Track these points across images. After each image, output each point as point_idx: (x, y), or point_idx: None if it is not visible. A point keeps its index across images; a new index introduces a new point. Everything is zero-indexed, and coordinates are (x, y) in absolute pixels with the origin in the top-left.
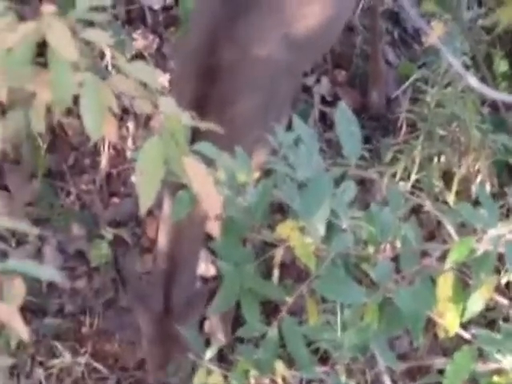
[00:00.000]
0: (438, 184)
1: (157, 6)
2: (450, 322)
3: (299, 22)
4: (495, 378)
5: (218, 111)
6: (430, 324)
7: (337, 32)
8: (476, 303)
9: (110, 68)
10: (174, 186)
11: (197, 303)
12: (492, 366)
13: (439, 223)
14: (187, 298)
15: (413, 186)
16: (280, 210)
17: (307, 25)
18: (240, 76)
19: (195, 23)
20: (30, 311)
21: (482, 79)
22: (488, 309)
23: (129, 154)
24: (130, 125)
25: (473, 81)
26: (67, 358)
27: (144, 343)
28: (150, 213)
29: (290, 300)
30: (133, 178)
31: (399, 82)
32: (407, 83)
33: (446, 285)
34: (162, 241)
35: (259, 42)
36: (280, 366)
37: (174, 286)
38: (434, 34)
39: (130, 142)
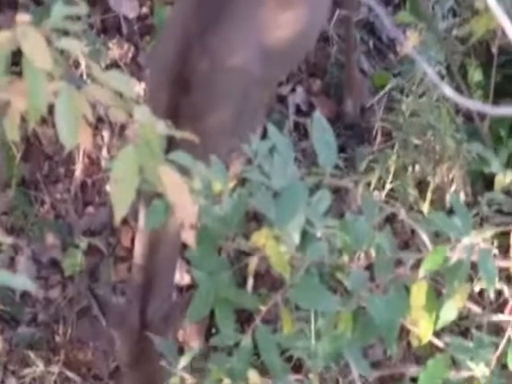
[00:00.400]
0: (413, 193)
1: (132, 16)
2: (423, 330)
3: (273, 32)
4: None
5: (192, 121)
6: (404, 332)
7: (311, 42)
8: (449, 311)
9: (85, 77)
10: (150, 196)
11: (173, 317)
12: (465, 374)
13: (413, 232)
14: (164, 312)
15: (387, 195)
16: (255, 219)
17: (281, 35)
18: (212, 86)
19: (168, 32)
20: (2, 320)
21: (457, 89)
22: (461, 317)
23: (103, 162)
24: (105, 134)
25: (447, 90)
26: (40, 367)
27: (122, 366)
28: (124, 222)
29: (264, 309)
30: (107, 187)
31: (374, 92)
32: (382, 92)
33: (419, 293)
34: (138, 253)
35: (232, 52)
36: (253, 375)
37: (151, 299)
38: (409, 43)
39: (104, 151)
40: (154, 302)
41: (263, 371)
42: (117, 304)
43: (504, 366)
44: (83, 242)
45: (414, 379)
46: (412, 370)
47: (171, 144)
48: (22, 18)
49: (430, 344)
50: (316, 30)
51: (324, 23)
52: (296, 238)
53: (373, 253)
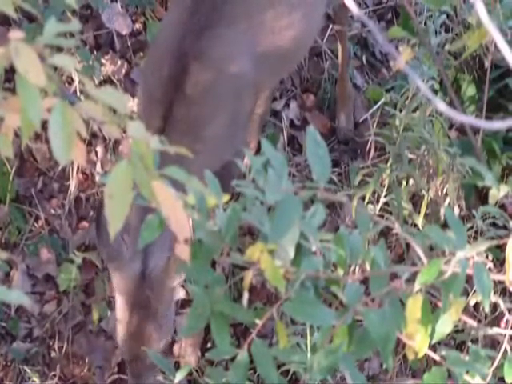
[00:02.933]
0: (407, 207)
1: (125, 32)
2: (419, 343)
3: (266, 38)
4: None
5: (186, 127)
6: (400, 346)
7: (304, 49)
8: (445, 325)
9: (78, 93)
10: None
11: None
12: None
13: (408, 246)
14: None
15: (382, 209)
16: (250, 233)
17: (274, 40)
18: (207, 93)
19: (163, 38)
20: None
21: (450, 103)
22: (457, 330)
23: (97, 178)
24: (99, 149)
25: (441, 105)
26: (36, 382)
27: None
28: None
29: (259, 323)
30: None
31: (368, 106)
32: (375, 107)
33: (415, 307)
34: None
35: (225, 57)
36: None
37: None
38: (402, 58)
39: (98, 167)
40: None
41: None
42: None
43: (500, 379)
44: (78, 257)
45: None
46: None
47: (164, 155)
48: (15, 34)
49: (426, 357)
50: (310, 38)
51: (317, 36)
52: (291, 251)
53: (368, 266)
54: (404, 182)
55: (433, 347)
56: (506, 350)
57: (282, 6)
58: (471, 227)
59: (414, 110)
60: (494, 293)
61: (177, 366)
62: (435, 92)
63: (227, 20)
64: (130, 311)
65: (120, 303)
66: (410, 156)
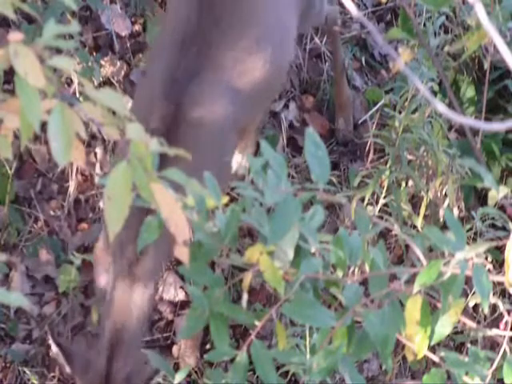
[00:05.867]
0: (406, 208)
1: (124, 33)
2: (418, 344)
3: (242, 78)
4: None
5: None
6: (399, 347)
7: (279, 84)
8: (444, 326)
9: (77, 94)
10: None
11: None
12: None
13: (407, 247)
14: (127, 373)
15: (381, 210)
16: (249, 235)
17: (249, 80)
18: (195, 135)
19: (148, 83)
20: None
21: (449, 105)
22: (456, 332)
23: (97, 179)
24: (98, 151)
25: (440, 106)
26: (35, 383)
27: None
28: None
29: (259, 324)
30: (101, 204)
31: (367, 108)
32: (375, 109)
33: (414, 308)
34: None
35: (212, 101)
36: None
37: (117, 357)
38: (402, 59)
39: (97, 168)
40: (120, 361)
41: None
42: (82, 353)
43: (499, 381)
44: (77, 259)
45: None
46: None
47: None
48: (15, 36)
49: (426, 359)
50: (283, 73)
51: (316, 38)
52: (290, 253)
53: (367, 268)
54: (403, 184)
55: (432, 348)
56: (505, 351)
57: (254, 47)
58: (470, 228)
59: (414, 112)
60: (494, 294)
61: (176, 368)
62: (434, 93)
63: (211, 65)
64: None
65: None
66: (410, 157)
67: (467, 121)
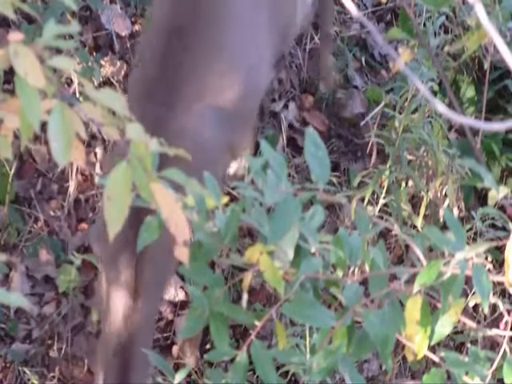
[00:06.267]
0: (406, 208)
1: (124, 33)
2: (418, 344)
3: (221, 96)
4: None
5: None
6: (399, 347)
7: (257, 101)
8: (444, 326)
9: (77, 95)
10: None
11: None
12: None
13: (407, 247)
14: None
15: (381, 210)
16: (249, 235)
17: (229, 97)
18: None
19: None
20: None
21: (449, 105)
22: (456, 332)
23: (97, 179)
24: (98, 151)
25: (440, 106)
26: (35, 383)
27: None
28: None
29: (259, 324)
30: (101, 204)
31: (367, 108)
32: (376, 110)
33: (414, 308)
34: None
35: (199, 128)
36: None
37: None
38: (402, 59)
39: (97, 168)
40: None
41: None
42: None
43: (499, 381)
44: (77, 259)
45: None
46: None
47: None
48: (15, 36)
49: (426, 359)
50: (261, 90)
51: (316, 38)
52: (290, 253)
53: (367, 268)
54: (403, 184)
55: (432, 348)
56: (505, 351)
57: (226, 70)
58: (470, 228)
59: (414, 112)
60: (494, 294)
61: (176, 368)
62: (434, 93)
63: (195, 92)
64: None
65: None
66: (410, 157)
67: (467, 121)
